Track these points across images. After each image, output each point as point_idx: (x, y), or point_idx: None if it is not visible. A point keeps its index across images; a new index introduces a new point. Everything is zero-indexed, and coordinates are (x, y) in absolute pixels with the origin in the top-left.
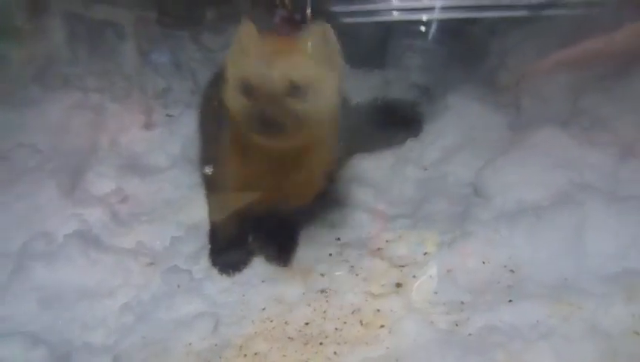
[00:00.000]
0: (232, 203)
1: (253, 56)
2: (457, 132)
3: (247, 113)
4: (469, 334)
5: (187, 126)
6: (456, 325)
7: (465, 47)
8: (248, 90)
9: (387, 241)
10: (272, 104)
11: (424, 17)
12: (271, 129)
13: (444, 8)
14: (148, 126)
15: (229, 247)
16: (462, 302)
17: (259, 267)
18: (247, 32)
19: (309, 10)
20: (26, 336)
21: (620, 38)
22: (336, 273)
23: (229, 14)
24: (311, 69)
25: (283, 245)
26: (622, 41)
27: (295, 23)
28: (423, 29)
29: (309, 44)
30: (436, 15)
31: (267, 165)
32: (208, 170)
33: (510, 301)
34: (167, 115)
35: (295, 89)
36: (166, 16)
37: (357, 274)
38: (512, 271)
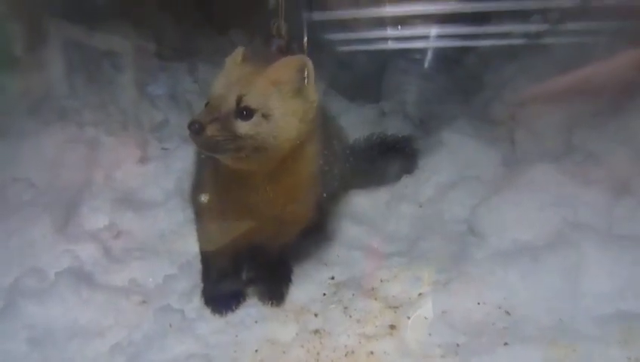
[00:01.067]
0: (218, 233)
1: (224, 78)
2: (452, 168)
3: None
4: None
5: (182, 160)
6: None
7: (459, 79)
8: (206, 106)
9: (382, 281)
10: (212, 120)
11: (419, 45)
12: (200, 143)
13: (439, 37)
14: (143, 160)
15: (222, 286)
16: (457, 345)
17: (252, 307)
18: (233, 56)
19: (305, 40)
20: None
21: (613, 65)
22: (330, 314)
23: (225, 47)
24: (270, 96)
25: (276, 284)
26: (615, 69)
27: (291, 53)
28: (417, 61)
29: (279, 72)
30: (431, 43)
31: (243, 193)
32: (196, 199)
33: (506, 344)
34: (163, 149)
35: (245, 111)
36: (164, 48)
37: (351, 316)
38: (507, 312)
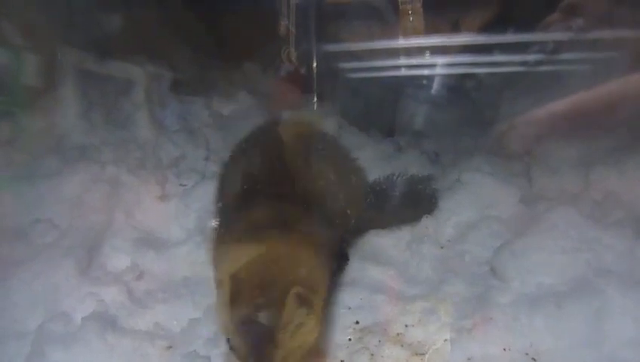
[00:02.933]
0: None
1: None
2: (471, 208)
3: None
4: None
5: (201, 199)
6: None
7: (473, 110)
8: None
9: (407, 326)
10: None
11: (429, 73)
12: None
13: (447, 65)
14: (162, 198)
15: None
16: None
17: None
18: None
19: (314, 65)
20: None
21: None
22: (357, 361)
23: (239, 80)
24: None
25: None
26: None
27: (300, 78)
28: (429, 89)
29: None
30: (439, 71)
31: None
32: None
33: None
34: (181, 185)
35: None
36: (179, 80)
37: None
38: (533, 359)
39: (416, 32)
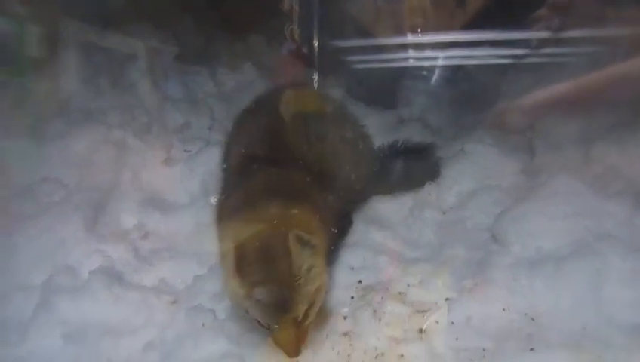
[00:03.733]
0: None
1: None
2: (473, 177)
3: None
4: None
5: (205, 163)
6: None
7: (474, 89)
8: None
9: (408, 285)
10: None
11: (433, 55)
12: None
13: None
14: (167, 162)
15: None
16: (483, 349)
17: None
18: None
19: (316, 44)
20: None
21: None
22: (360, 316)
23: (243, 53)
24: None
25: None
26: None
27: (302, 57)
28: (432, 68)
29: None
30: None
31: None
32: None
33: (532, 349)
34: (186, 151)
35: None
36: (184, 51)
37: (380, 319)
38: (532, 319)
39: (421, 7)
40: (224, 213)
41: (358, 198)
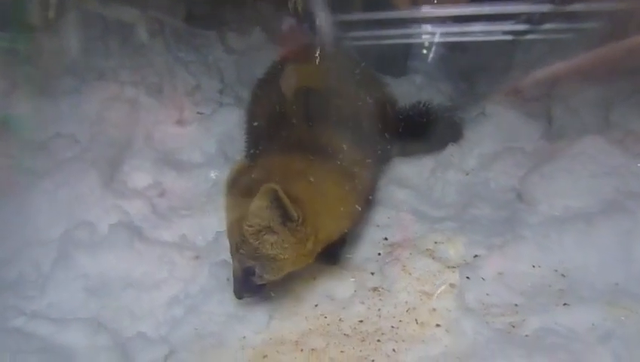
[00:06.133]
0: None
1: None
2: (495, 139)
3: None
4: (526, 335)
5: (221, 124)
6: (513, 326)
7: (486, 59)
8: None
9: (436, 243)
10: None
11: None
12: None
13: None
14: (180, 122)
15: None
16: (515, 304)
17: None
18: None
19: (319, 20)
20: (87, 323)
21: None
22: (388, 272)
23: (252, 17)
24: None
25: (331, 244)
26: None
27: (303, 33)
28: (439, 41)
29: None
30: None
31: None
32: None
33: (565, 304)
34: (199, 113)
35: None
36: (193, 14)
37: (410, 274)
38: (562, 275)
39: None
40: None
41: (384, 157)
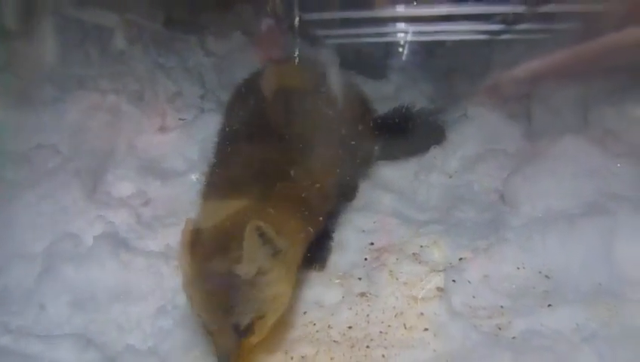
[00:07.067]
0: None
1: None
2: (478, 141)
3: None
4: (513, 337)
5: (203, 131)
6: (499, 329)
7: (465, 59)
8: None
9: (421, 246)
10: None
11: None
12: None
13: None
14: (163, 129)
15: None
16: (501, 307)
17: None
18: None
19: (297, 20)
20: (75, 338)
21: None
22: (376, 277)
23: (232, 20)
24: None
25: (316, 249)
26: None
27: (281, 33)
28: (417, 41)
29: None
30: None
31: None
32: None
33: (550, 305)
34: (180, 119)
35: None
36: (173, 19)
37: (397, 279)
38: (546, 276)
39: None
40: (204, 191)
41: (365, 163)
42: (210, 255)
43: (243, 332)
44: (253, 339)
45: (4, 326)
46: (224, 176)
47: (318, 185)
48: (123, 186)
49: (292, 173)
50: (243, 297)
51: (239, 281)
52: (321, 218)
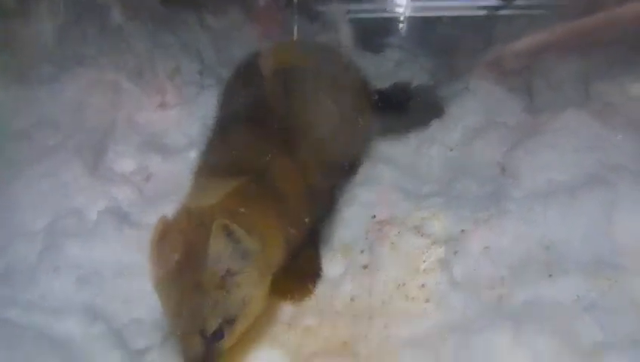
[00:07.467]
0: None
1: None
2: (478, 114)
3: None
4: (514, 307)
5: (203, 107)
6: (501, 299)
7: (465, 34)
8: None
9: (423, 219)
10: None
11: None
12: None
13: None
14: (163, 106)
15: None
16: (502, 278)
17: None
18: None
19: None
20: (81, 311)
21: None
22: (377, 250)
23: None
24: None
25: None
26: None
27: (280, 9)
28: (414, 16)
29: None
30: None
31: None
32: None
33: (550, 276)
34: (180, 96)
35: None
36: None
37: (398, 251)
38: (547, 247)
39: None
40: (194, 172)
41: (365, 140)
42: (175, 255)
43: (211, 337)
44: (225, 344)
45: (11, 300)
46: (210, 160)
47: (313, 171)
48: (124, 162)
49: (283, 158)
50: (209, 301)
51: (205, 285)
52: (307, 218)
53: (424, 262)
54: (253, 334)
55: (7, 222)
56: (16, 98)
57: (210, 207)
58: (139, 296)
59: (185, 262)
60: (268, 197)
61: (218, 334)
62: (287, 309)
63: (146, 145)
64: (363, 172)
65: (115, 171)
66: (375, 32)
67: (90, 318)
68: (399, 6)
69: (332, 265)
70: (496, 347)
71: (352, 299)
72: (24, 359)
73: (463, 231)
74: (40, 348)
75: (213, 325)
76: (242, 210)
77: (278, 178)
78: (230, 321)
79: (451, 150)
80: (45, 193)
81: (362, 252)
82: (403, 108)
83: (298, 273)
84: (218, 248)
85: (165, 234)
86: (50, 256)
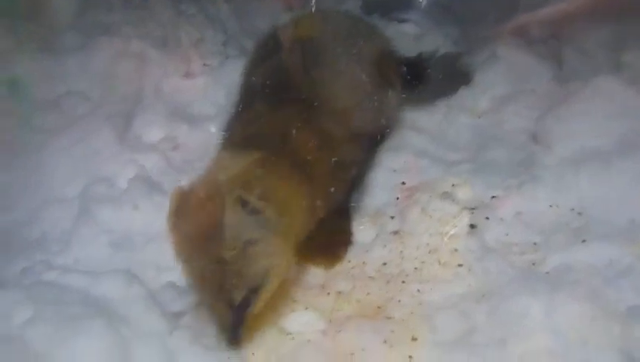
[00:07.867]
0: None
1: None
2: (507, 81)
3: None
4: (547, 272)
5: (228, 76)
6: (533, 264)
7: (491, 1)
8: None
9: (453, 185)
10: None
11: None
12: None
13: None
14: (188, 75)
15: None
16: (534, 243)
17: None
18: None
19: None
20: (118, 274)
21: None
22: (408, 215)
23: None
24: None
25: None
26: None
27: None
28: None
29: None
30: None
31: None
32: None
33: (583, 241)
34: (205, 65)
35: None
36: None
37: (430, 216)
38: (579, 213)
39: None
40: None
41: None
42: (194, 228)
43: (238, 307)
44: (253, 311)
45: (48, 264)
46: (233, 132)
47: (340, 142)
48: (152, 131)
49: (307, 130)
50: (232, 272)
51: (226, 256)
52: (333, 188)
53: (455, 227)
54: (283, 299)
55: (41, 189)
56: (44, 68)
57: (228, 178)
58: (170, 262)
59: (205, 234)
60: (290, 168)
61: (245, 303)
62: (320, 274)
63: (173, 114)
64: (392, 139)
65: (144, 140)
66: (399, 1)
67: (126, 281)
68: None
69: (363, 230)
70: (530, 312)
71: (384, 264)
72: (71, 317)
73: (493, 197)
74: (86, 308)
75: (238, 296)
76: (261, 180)
77: (302, 149)
78: (255, 290)
79: (479, 117)
80: (77, 160)
81: (393, 218)
82: (430, 77)
83: (329, 240)
84: (234, 219)
85: (183, 206)
86: (84, 222)
